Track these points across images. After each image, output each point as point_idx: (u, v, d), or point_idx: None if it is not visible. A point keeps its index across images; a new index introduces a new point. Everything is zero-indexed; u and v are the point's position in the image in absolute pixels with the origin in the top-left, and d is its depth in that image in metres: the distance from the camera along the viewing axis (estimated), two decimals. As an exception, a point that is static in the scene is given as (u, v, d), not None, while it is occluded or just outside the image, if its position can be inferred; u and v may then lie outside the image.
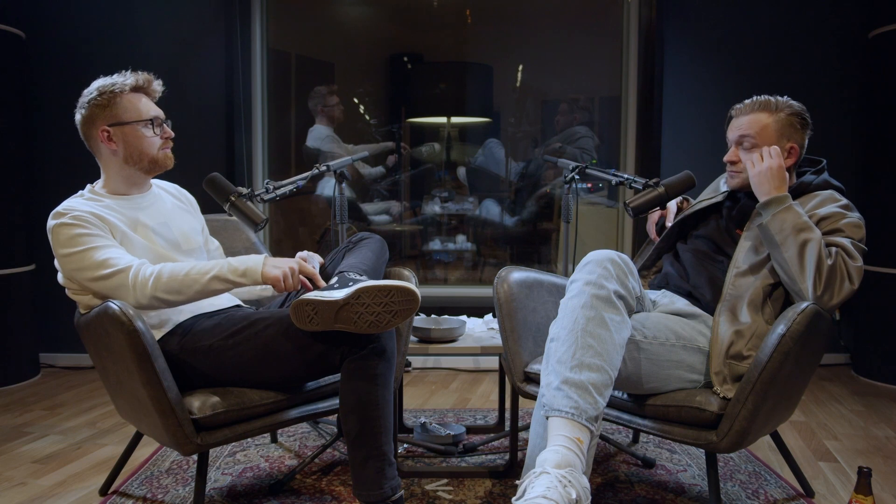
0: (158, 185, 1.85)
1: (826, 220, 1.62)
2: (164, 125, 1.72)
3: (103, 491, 1.89)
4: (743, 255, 1.69)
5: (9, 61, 3.00)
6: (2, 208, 2.99)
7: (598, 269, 1.49)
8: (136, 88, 1.69)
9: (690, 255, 1.81)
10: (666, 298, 1.78)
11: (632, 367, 1.54)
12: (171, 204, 1.83)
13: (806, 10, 3.31)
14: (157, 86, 1.74)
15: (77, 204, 1.61)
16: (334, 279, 1.59)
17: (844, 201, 1.68)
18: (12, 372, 3.06)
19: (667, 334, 1.59)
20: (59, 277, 1.63)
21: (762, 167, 1.64)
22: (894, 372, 3.06)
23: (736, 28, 3.34)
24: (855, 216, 1.63)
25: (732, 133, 1.77)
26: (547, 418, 1.37)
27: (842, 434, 2.42)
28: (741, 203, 1.80)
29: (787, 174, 1.66)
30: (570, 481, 1.23)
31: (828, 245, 1.57)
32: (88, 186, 1.72)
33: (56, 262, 1.60)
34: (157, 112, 1.71)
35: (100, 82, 1.67)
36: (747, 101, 1.76)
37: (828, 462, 2.15)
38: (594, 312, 1.44)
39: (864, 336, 3.21)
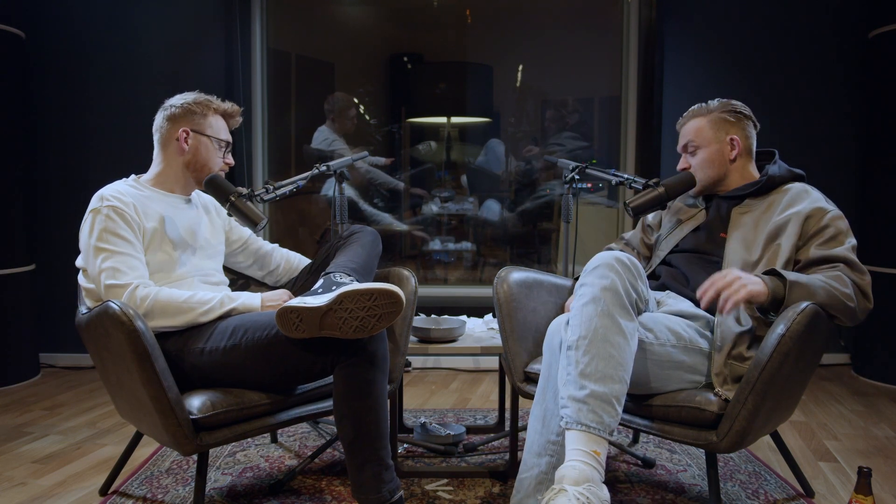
0: (197, 193, 1.93)
1: (811, 218, 1.65)
2: (229, 154, 1.87)
3: (103, 491, 1.89)
4: (733, 255, 1.71)
5: (9, 61, 3.00)
6: (2, 208, 2.99)
7: (610, 273, 1.48)
8: (225, 113, 1.86)
9: (685, 260, 1.83)
10: (670, 299, 1.78)
11: (636, 367, 1.54)
12: (200, 208, 1.89)
13: (806, 10, 3.31)
14: (239, 119, 1.91)
15: (123, 189, 1.69)
16: (319, 282, 1.59)
17: (818, 193, 1.73)
18: (12, 372, 3.06)
19: (668, 335, 1.58)
20: (79, 259, 1.68)
21: (734, 285, 1.50)
22: (894, 372, 3.06)
23: (736, 28, 3.34)
24: (835, 209, 1.68)
25: (679, 144, 1.90)
26: (566, 429, 1.38)
27: (842, 434, 2.42)
28: (716, 208, 1.85)
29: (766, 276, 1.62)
30: (588, 498, 1.27)
31: (830, 264, 1.61)
32: (133, 176, 1.81)
33: (80, 242, 1.67)
34: (230, 139, 1.87)
35: (195, 94, 1.83)
36: (686, 112, 1.89)
37: (828, 462, 2.15)
38: (611, 321, 1.44)
39: (864, 336, 3.21)
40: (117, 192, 1.66)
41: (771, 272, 1.55)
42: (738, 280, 1.49)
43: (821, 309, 1.51)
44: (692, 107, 1.88)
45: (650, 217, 2.07)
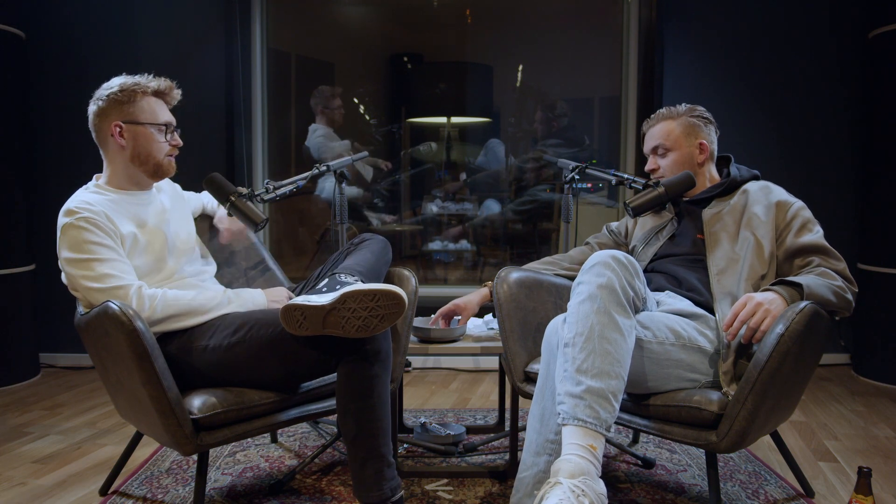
0: (157, 187, 1.86)
1: (779, 211, 1.73)
2: (175, 133, 1.74)
3: (103, 491, 1.89)
4: (715, 253, 1.76)
5: (9, 61, 3.00)
6: (2, 208, 2.99)
7: (607, 271, 1.48)
8: (157, 93, 1.72)
9: (670, 264, 1.84)
10: (670, 299, 1.79)
11: (634, 365, 1.54)
12: (169, 202, 1.84)
13: (806, 10, 3.31)
14: (177, 94, 1.77)
15: (89, 199, 1.62)
16: (324, 281, 1.59)
17: (778, 188, 1.81)
18: (12, 372, 3.06)
19: (667, 333, 1.59)
20: (63, 276, 1.63)
21: (757, 314, 1.51)
22: (894, 372, 3.06)
23: (736, 28, 3.34)
24: (797, 201, 1.76)
25: (647, 145, 1.96)
26: (563, 425, 1.37)
27: (842, 434, 2.42)
28: (686, 213, 1.90)
29: (764, 264, 1.71)
30: (583, 490, 1.26)
31: (806, 257, 1.67)
32: (94, 178, 1.74)
33: (59, 261, 1.60)
34: (171, 119, 1.74)
35: (122, 79, 1.68)
36: (653, 115, 1.96)
37: (828, 462, 2.15)
38: (608, 318, 1.44)
39: (864, 336, 3.21)
40: (85, 203, 1.59)
41: (779, 282, 1.58)
42: (760, 307, 1.50)
43: (824, 307, 1.53)
44: (659, 110, 1.95)
45: (613, 224, 2.14)
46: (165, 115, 1.73)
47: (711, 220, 1.81)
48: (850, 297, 1.61)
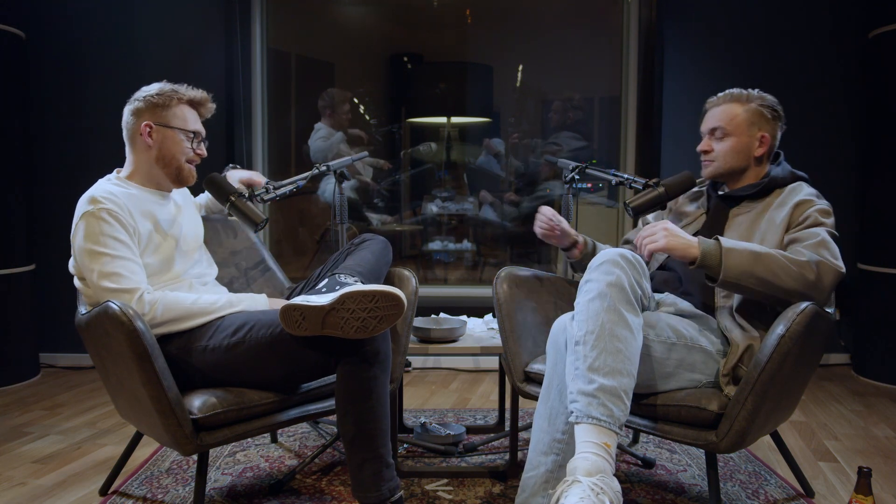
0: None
1: (798, 208, 1.66)
2: (202, 144, 1.79)
3: (103, 491, 1.89)
4: None
5: (9, 61, 3.00)
6: (2, 208, 2.99)
7: (616, 269, 1.48)
8: (192, 102, 1.77)
9: (679, 264, 1.82)
10: (670, 299, 1.79)
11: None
12: (181, 201, 1.87)
13: (805, 10, 3.31)
14: (211, 107, 1.82)
15: (113, 189, 1.64)
16: (324, 281, 1.60)
17: (811, 189, 1.73)
18: (12, 372, 3.06)
19: (669, 333, 1.59)
20: (71, 263, 1.65)
21: (655, 235, 1.55)
22: (894, 372, 3.06)
23: (735, 28, 3.34)
24: (823, 203, 1.68)
25: (705, 124, 1.83)
26: (576, 423, 1.38)
27: (842, 434, 2.42)
28: (715, 210, 1.84)
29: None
30: (602, 488, 1.26)
31: (797, 244, 1.60)
32: (115, 171, 1.77)
33: (72, 247, 1.62)
34: (200, 129, 1.79)
35: (161, 85, 1.74)
36: (721, 94, 1.82)
37: (828, 462, 2.16)
38: (618, 315, 1.44)
39: (864, 336, 3.20)
40: (109, 194, 1.61)
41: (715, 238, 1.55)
42: (662, 231, 1.54)
43: (753, 278, 1.48)
44: (730, 90, 1.80)
45: (650, 217, 2.06)
46: (196, 125, 1.78)
47: (734, 222, 1.75)
48: (811, 278, 1.49)
